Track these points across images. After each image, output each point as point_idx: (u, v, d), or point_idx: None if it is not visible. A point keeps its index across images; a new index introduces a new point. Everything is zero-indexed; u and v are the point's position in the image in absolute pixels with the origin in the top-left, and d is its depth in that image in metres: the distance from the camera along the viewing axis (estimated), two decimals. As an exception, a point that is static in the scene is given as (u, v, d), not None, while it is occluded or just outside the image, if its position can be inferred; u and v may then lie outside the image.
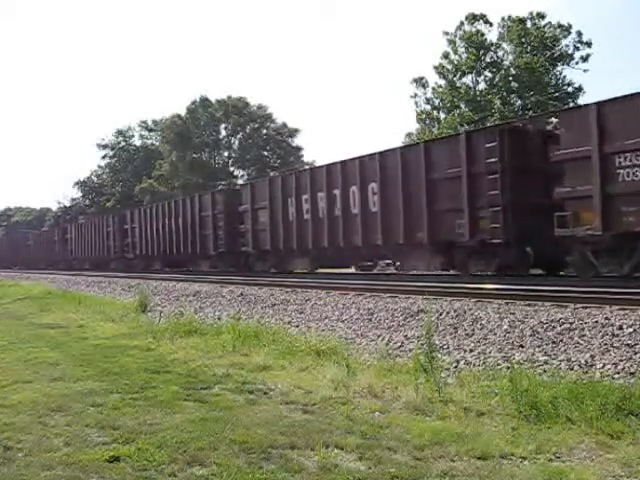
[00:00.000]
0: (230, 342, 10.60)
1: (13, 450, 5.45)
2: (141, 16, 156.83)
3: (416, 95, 51.10)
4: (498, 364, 7.96)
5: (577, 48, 46.63)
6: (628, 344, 7.85)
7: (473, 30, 48.14)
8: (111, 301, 20.05)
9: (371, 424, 6.01)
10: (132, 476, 4.80)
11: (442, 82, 50.02)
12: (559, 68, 47.22)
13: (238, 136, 66.06)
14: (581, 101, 42.25)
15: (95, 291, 24.57)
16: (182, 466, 4.98)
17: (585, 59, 46.49)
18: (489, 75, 48.50)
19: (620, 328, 8.40)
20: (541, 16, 47.16)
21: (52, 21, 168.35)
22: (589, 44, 46.34)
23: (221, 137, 66.94)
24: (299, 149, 65.59)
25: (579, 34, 46.44)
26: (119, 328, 13.95)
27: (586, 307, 9.65)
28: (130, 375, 8.45)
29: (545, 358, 7.90)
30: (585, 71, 47.47)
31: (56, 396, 7.37)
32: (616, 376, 7.01)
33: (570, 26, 46.70)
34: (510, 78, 47.06)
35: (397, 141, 47.70)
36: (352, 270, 24.29)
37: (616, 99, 13.10)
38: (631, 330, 8.24)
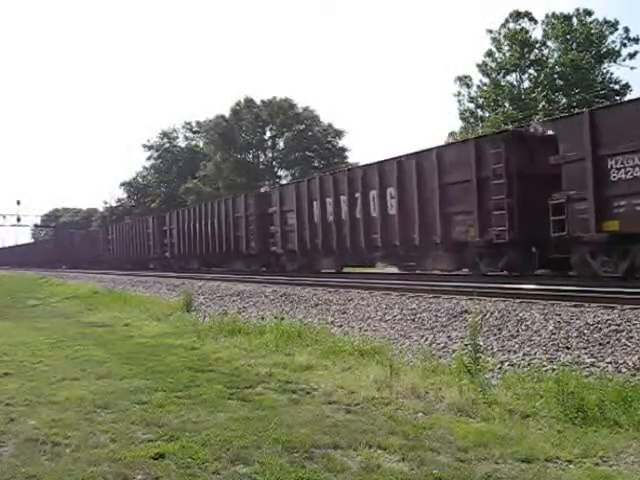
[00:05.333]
0: (273, 342, 10.66)
1: (61, 446, 5.55)
2: (186, 20, 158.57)
3: (459, 94, 50.75)
4: (543, 366, 7.85)
5: (624, 45, 45.77)
6: (678, 346, 7.67)
7: (517, 28, 47.58)
8: (156, 300, 20.28)
9: (414, 425, 5.99)
10: (176, 473, 4.85)
11: (486, 80, 49.57)
12: (605, 65, 46.39)
13: (283, 137, 66.22)
14: (628, 98, 41.41)
15: (140, 290, 24.85)
16: (226, 464, 5.02)
17: (633, 56, 45.60)
18: (533, 73, 47.87)
19: (669, 330, 8.21)
20: (588, 13, 46.40)
21: (100, 25, 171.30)
22: (637, 40, 45.42)
23: (266, 138, 67.17)
24: (344, 150, 65.54)
25: (626, 30, 45.58)
26: (164, 327, 14.12)
27: (634, 308, 9.46)
28: (175, 373, 8.55)
29: (592, 360, 7.77)
30: (632, 68, 46.69)
31: (102, 393, 7.49)
32: (665, 379, 6.85)
33: (617, 22, 45.88)
34: (555, 76, 46.36)
35: (440, 140, 47.24)
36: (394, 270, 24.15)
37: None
38: (681, 332, 8.05)
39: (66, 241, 68.01)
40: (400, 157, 19.81)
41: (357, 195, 21.28)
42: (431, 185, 18.03)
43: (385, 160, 20.47)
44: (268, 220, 27.92)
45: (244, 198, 31.06)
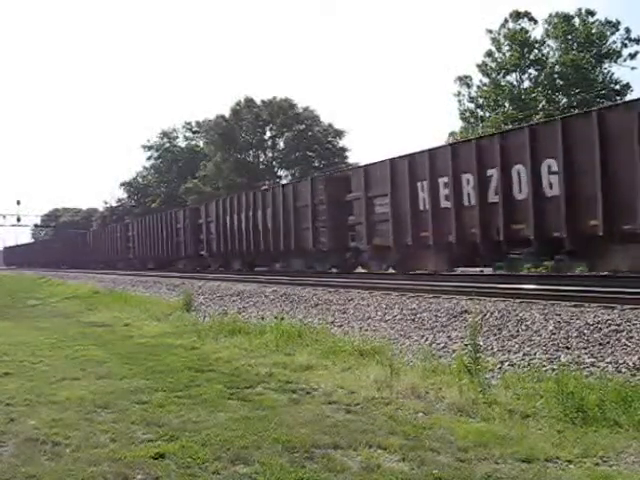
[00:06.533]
0: (273, 341, 10.66)
1: (61, 446, 5.56)
2: (186, 20, 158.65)
3: (460, 93, 50.71)
4: (543, 366, 7.85)
5: (625, 45, 45.74)
6: (678, 346, 7.65)
7: (517, 28, 47.56)
8: (156, 300, 20.28)
9: (414, 425, 5.99)
10: (176, 473, 4.85)
11: (486, 80, 49.55)
12: (606, 65, 46.35)
13: (284, 137, 66.20)
14: (628, 98, 41.40)
15: (140, 290, 24.87)
16: (226, 464, 5.02)
17: (633, 56, 45.57)
18: (534, 73, 47.86)
19: (670, 330, 8.19)
20: (590, 13, 46.35)
21: (100, 25, 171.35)
22: (638, 41, 45.39)
23: (266, 138, 67.16)
24: (344, 150, 65.52)
25: (627, 31, 45.57)
26: (164, 327, 14.12)
27: (634, 308, 9.45)
28: (175, 373, 8.56)
29: (592, 360, 7.77)
30: (633, 69, 46.61)
31: (102, 393, 7.49)
32: (666, 379, 6.83)
33: (618, 22, 45.85)
34: (555, 76, 46.30)
35: (441, 140, 47.20)
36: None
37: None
38: (681, 332, 8.03)
39: (78, 240, 64.46)
40: (568, 117, 15.85)
41: (491, 172, 16.22)
42: (629, 153, 13.00)
43: (538, 124, 16.77)
44: (346, 209, 22.22)
45: (311, 182, 25.25)
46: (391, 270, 20.82)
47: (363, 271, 22.77)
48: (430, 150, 18.72)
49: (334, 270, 23.88)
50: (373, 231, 20.61)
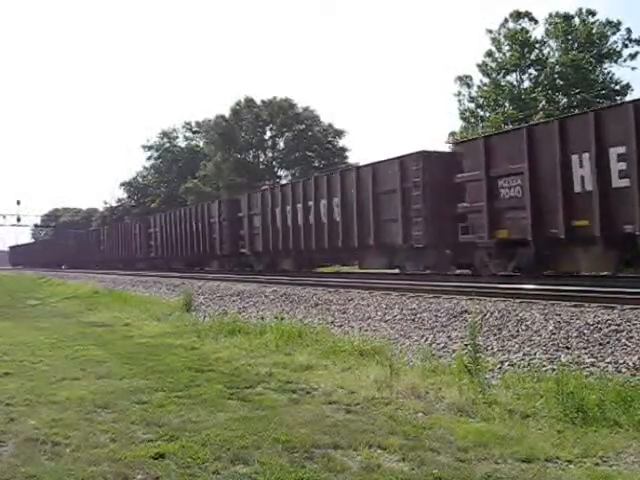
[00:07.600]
0: (273, 341, 10.65)
1: (61, 446, 5.55)
2: (186, 20, 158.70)
3: (460, 93, 50.72)
4: (543, 366, 7.84)
5: (626, 45, 45.77)
6: (678, 346, 7.64)
7: (517, 28, 47.58)
8: (156, 300, 20.28)
9: (414, 425, 5.98)
10: (176, 473, 4.84)
11: (486, 80, 49.57)
12: (606, 65, 46.37)
13: (284, 137, 66.21)
14: (629, 99, 41.39)
15: (140, 290, 24.86)
16: (226, 464, 5.01)
17: (634, 57, 45.62)
18: (534, 73, 47.88)
19: (670, 330, 8.17)
20: (591, 13, 46.37)
21: (100, 25, 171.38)
22: (638, 42, 45.42)
23: (266, 138, 67.15)
24: (344, 150, 65.49)
25: (628, 31, 45.60)
26: (164, 327, 14.11)
27: (634, 308, 9.45)
28: (175, 373, 8.55)
29: (592, 360, 7.76)
30: (633, 69, 46.64)
31: (102, 393, 7.49)
32: (666, 379, 6.82)
33: (619, 23, 45.90)
34: (555, 75, 46.32)
35: (441, 140, 47.21)
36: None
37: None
38: (681, 332, 8.01)
39: (90, 238, 61.09)
40: None
41: None
42: None
43: None
44: (453, 193, 17.52)
45: (400, 162, 19.80)
46: (517, 272, 16.22)
47: (459, 272, 19.14)
48: (596, 111, 14.40)
49: (427, 271, 19.33)
50: (498, 220, 16.13)
